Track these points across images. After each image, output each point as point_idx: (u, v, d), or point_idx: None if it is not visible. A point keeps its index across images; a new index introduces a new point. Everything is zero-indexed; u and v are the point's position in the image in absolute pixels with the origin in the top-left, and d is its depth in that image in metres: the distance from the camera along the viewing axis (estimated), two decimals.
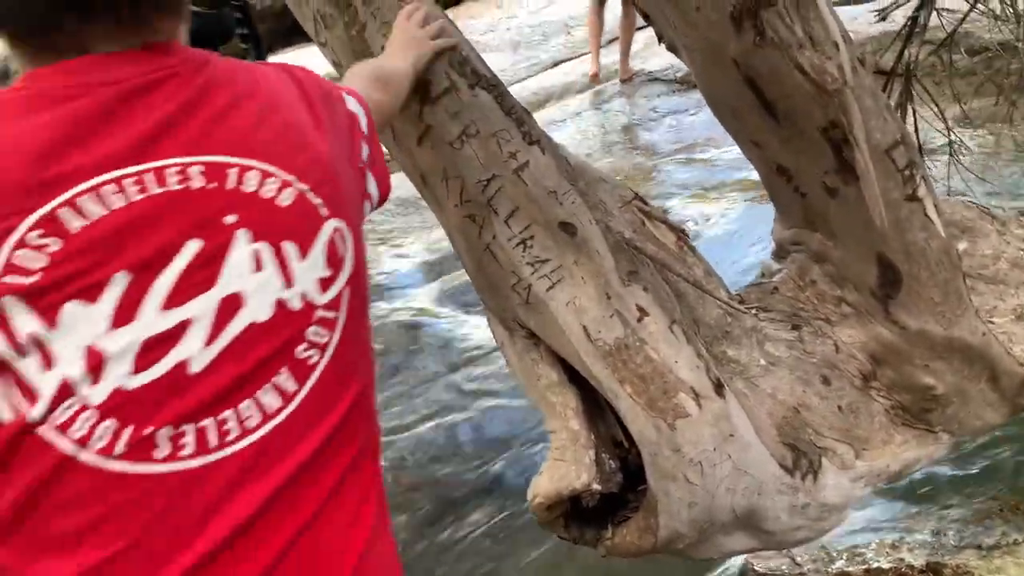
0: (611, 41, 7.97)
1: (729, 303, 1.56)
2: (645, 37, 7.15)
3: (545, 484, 1.41)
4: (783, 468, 1.51)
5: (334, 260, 0.74)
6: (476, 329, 3.11)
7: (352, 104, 0.88)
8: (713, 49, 1.59)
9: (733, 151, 4.33)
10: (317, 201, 0.73)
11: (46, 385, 0.61)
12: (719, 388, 1.40)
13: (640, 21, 5.35)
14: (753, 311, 1.65)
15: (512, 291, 1.45)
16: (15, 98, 0.67)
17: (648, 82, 5.74)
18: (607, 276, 1.38)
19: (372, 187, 0.89)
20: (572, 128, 5.19)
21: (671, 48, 1.77)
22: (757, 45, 1.56)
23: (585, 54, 8.61)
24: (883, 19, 3.24)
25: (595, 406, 1.49)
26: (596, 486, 1.39)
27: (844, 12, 1.96)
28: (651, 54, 6.37)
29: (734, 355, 1.54)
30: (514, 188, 1.41)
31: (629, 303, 1.37)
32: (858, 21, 4.03)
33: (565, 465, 1.41)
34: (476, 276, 1.52)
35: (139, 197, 0.65)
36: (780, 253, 1.86)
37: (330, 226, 0.74)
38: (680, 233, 1.61)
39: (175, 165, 0.67)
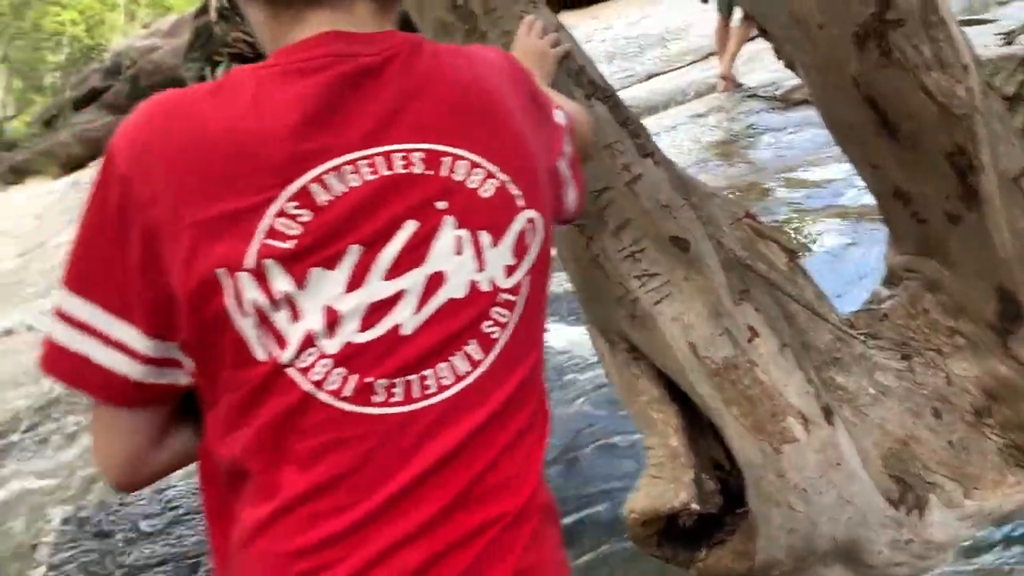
0: (710, 55, 7.89)
1: (840, 328, 1.52)
2: (748, 51, 7.05)
3: (642, 500, 1.39)
4: (888, 501, 1.47)
5: (520, 249, 0.82)
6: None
7: (560, 117, 0.95)
8: (833, 67, 1.56)
9: (834, 173, 4.25)
10: (516, 192, 0.81)
11: (293, 335, 0.72)
12: (828, 415, 1.36)
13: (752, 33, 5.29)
14: (862, 338, 1.60)
15: (618, 304, 1.44)
16: (271, 75, 0.75)
17: (747, 98, 5.64)
18: (718, 293, 1.36)
19: (572, 196, 0.96)
20: (667, 141, 5.15)
21: (789, 64, 1.74)
22: (881, 65, 1.52)
23: (681, 67, 8.56)
24: (1009, 43, 3.11)
25: (696, 424, 1.47)
26: (695, 506, 1.37)
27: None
28: (751, 69, 6.28)
29: (843, 382, 1.50)
30: (626, 200, 1.40)
31: (740, 322, 1.35)
32: (978, 43, 3.88)
33: (663, 483, 1.39)
34: (580, 287, 1.52)
35: (371, 178, 0.74)
36: (891, 279, 1.80)
37: (524, 216, 0.82)
38: (792, 253, 1.57)
39: (401, 151, 0.76)
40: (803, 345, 1.48)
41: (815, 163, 4.36)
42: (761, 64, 6.60)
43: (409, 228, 0.75)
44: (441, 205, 0.77)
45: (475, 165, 0.78)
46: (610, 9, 10.94)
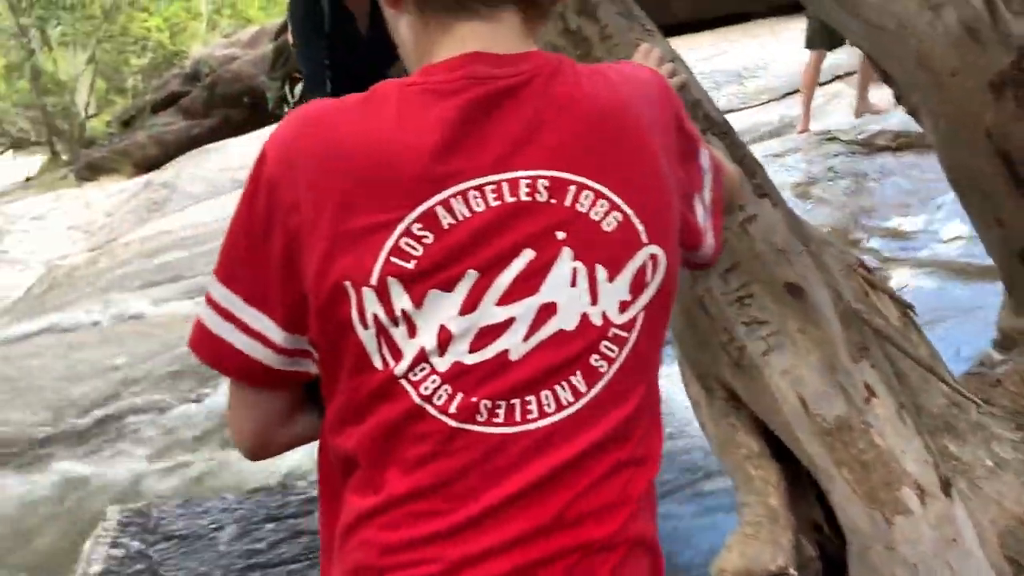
0: (788, 94, 7.78)
1: (956, 391, 1.43)
2: (827, 92, 6.92)
3: (735, 560, 1.31)
4: None
5: (637, 286, 0.80)
6: None
7: (704, 158, 0.92)
8: (965, 117, 1.47)
9: (921, 224, 4.10)
10: (640, 227, 0.79)
11: (409, 350, 0.75)
12: (946, 487, 1.27)
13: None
14: (978, 404, 1.50)
15: (721, 350, 1.37)
16: (413, 92, 0.77)
17: (826, 140, 5.52)
18: (835, 347, 1.28)
19: (708, 242, 0.92)
20: None
21: (911, 111, 1.65)
22: (1018, 117, 1.43)
23: (757, 105, 8.45)
24: None
25: (795, 482, 1.39)
26: (792, 571, 1.28)
27: None
28: (831, 110, 6.16)
29: (956, 451, 1.40)
30: (738, 241, 1.34)
31: (856, 380, 1.27)
32: None
33: (759, 544, 1.31)
34: (681, 328, 1.45)
35: (495, 204, 0.75)
36: (1005, 343, 1.69)
37: (646, 252, 0.80)
38: (905, 308, 1.49)
39: (527, 177, 0.76)
40: (915, 407, 1.39)
41: (900, 212, 4.22)
42: (840, 104, 6.46)
43: (526, 256, 0.76)
44: (560, 235, 0.76)
45: (600, 196, 0.78)
46: (683, 42, 10.88)
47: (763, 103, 8.24)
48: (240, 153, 10.40)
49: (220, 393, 3.52)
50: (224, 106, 12.75)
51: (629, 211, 0.78)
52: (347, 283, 0.73)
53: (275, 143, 0.77)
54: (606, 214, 0.77)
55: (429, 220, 0.73)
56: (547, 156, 0.76)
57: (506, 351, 0.76)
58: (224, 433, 3.43)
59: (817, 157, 5.36)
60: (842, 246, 1.51)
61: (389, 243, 0.73)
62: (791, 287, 1.30)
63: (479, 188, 0.75)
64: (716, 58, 10.13)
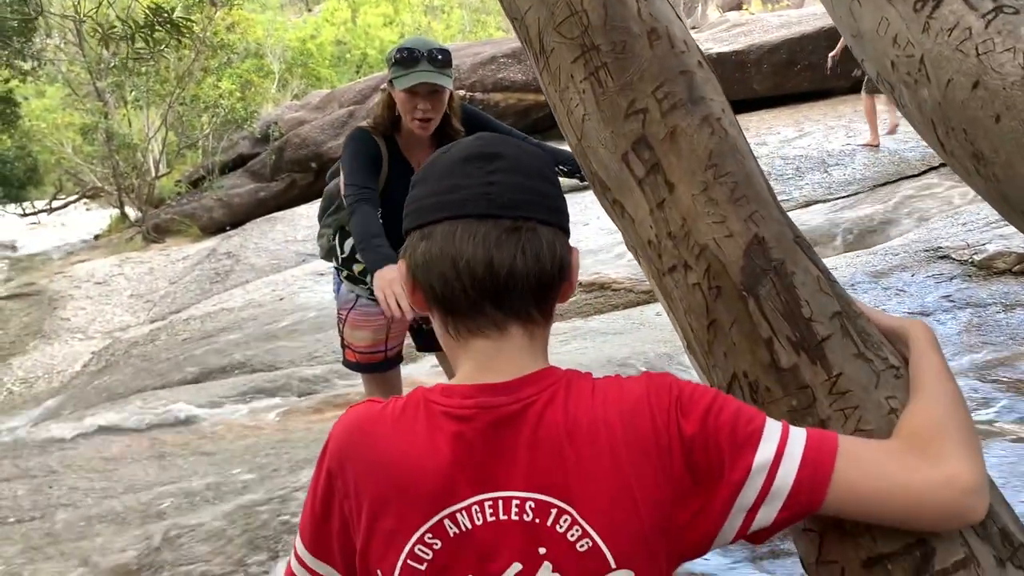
0: (878, 186, 7.29)
1: None
2: (915, 186, 6.43)
3: None
4: None
5: None
6: None
7: (761, 454, 0.85)
8: None
9: None
10: (607, 553, 0.85)
11: None
12: None
13: None
14: None
15: None
16: (437, 413, 0.89)
17: (937, 258, 5.02)
18: None
19: (765, 514, 0.86)
20: None
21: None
22: None
23: (844, 197, 7.99)
24: None
25: None
26: None
27: None
28: (942, 227, 5.65)
29: None
30: None
31: None
32: None
33: None
34: None
35: (491, 519, 0.86)
36: None
37: (615, 575, 0.86)
38: None
39: (517, 498, 0.86)
40: None
41: None
42: (952, 216, 5.96)
43: (514, 568, 0.86)
44: (542, 551, 0.86)
45: (575, 522, 0.85)
46: (762, 122, 10.47)
47: (851, 194, 7.76)
48: (305, 224, 10.28)
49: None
50: (291, 170, 12.75)
51: (596, 538, 0.85)
52: (378, 571, 0.88)
53: (334, 440, 0.93)
54: (579, 537, 0.85)
55: (439, 530, 0.86)
56: (536, 480, 0.86)
57: None
58: None
59: (927, 280, 4.87)
60: None
61: (408, 547, 0.86)
62: None
63: (480, 504, 0.86)
64: (797, 140, 9.69)
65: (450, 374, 3.00)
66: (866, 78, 8.43)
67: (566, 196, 0.95)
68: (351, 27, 20.41)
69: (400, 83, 2.43)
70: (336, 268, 2.84)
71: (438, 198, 0.90)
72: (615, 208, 1.12)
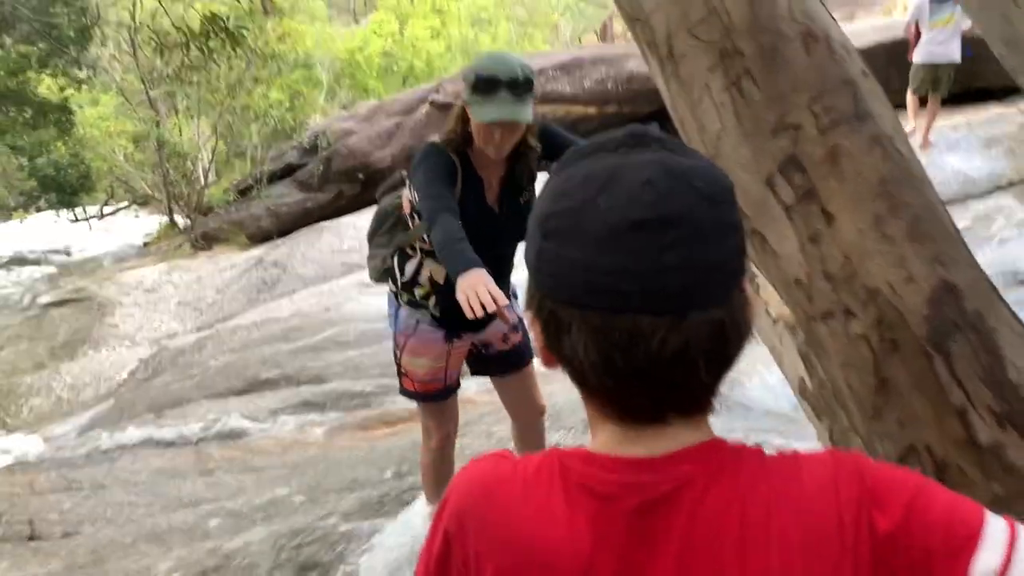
0: (992, 191, 6.99)
1: None
2: (984, 206, 6.16)
3: None
4: None
5: None
6: None
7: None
8: None
9: None
10: None
11: None
12: None
13: None
14: None
15: None
16: (572, 486, 0.76)
17: (1017, 283, 4.76)
18: None
19: None
20: None
21: None
22: None
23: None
24: None
25: None
26: None
27: None
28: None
29: None
30: None
31: None
32: None
33: None
34: None
35: None
36: None
37: None
38: None
39: None
40: None
41: None
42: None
43: None
44: None
45: None
46: None
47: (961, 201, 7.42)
48: (352, 234, 10.23)
49: None
50: (338, 181, 12.74)
51: None
52: None
53: (452, 500, 0.83)
54: None
55: None
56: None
57: None
58: None
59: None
60: None
61: None
62: None
63: None
64: None
65: (508, 404, 2.85)
66: (918, 79, 7.92)
67: None
68: (398, 39, 20.46)
69: (477, 113, 2.29)
70: (394, 292, 2.69)
71: (592, 277, 0.69)
72: (753, 239, 0.96)
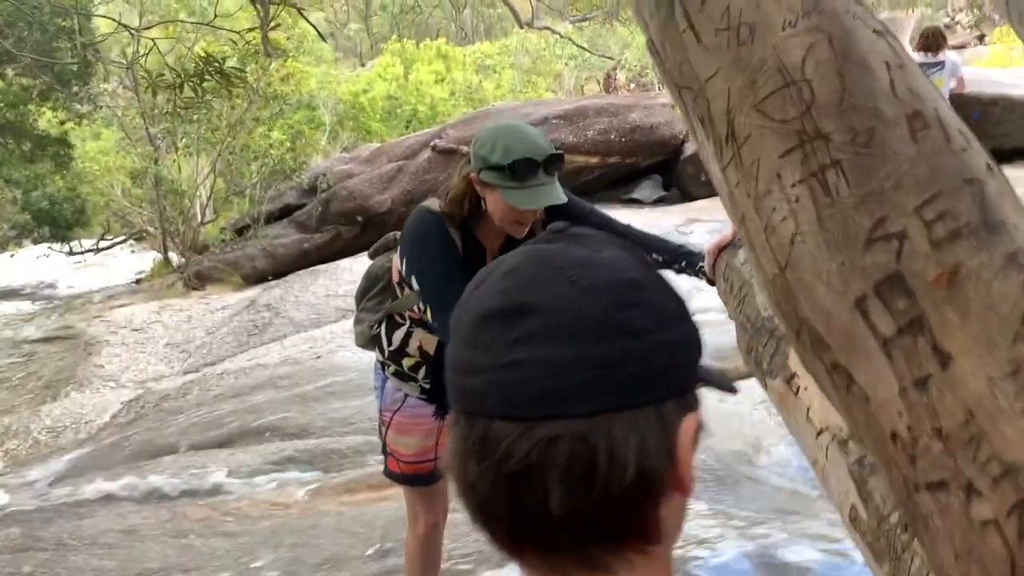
0: None
1: None
2: None
3: None
4: None
5: None
6: None
7: None
8: None
9: None
10: None
11: None
12: None
13: None
14: None
15: None
16: None
17: None
18: None
19: None
20: None
21: None
22: None
23: None
24: None
25: None
26: None
27: None
28: None
29: None
30: None
31: None
32: None
33: None
34: None
35: None
36: None
37: None
38: None
39: None
40: None
41: None
42: None
43: None
44: None
45: None
46: None
47: None
48: (348, 278, 10.04)
49: None
50: (337, 222, 12.59)
51: None
52: None
53: None
54: None
55: None
56: None
57: None
58: None
59: None
60: None
61: None
62: None
63: None
64: None
65: None
66: None
67: None
68: (403, 83, 20.51)
69: (515, 199, 2.06)
70: (380, 363, 2.47)
71: (453, 377, 0.63)
72: (835, 375, 0.74)
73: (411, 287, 2.20)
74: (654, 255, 2.28)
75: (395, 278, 2.36)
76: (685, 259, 2.22)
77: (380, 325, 2.43)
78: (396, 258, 2.32)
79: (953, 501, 0.66)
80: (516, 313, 0.58)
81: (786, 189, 0.72)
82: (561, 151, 2.14)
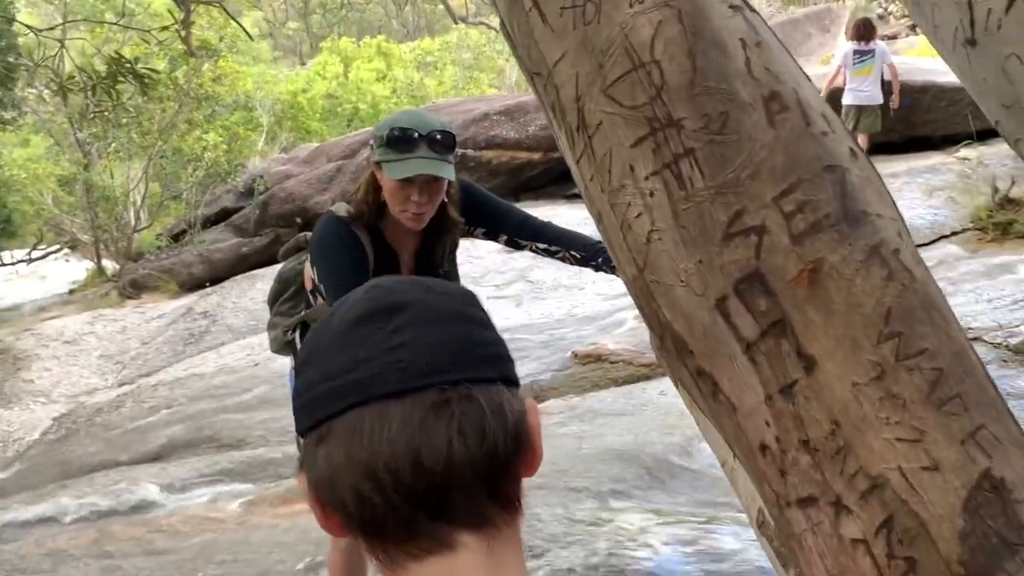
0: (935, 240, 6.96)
1: None
2: (926, 256, 6.10)
3: None
4: None
5: None
6: None
7: None
8: None
9: None
10: None
11: None
12: None
13: None
14: None
15: None
16: None
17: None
18: None
19: None
20: None
21: None
22: None
23: None
24: None
25: None
26: None
27: None
28: (976, 312, 5.29)
29: None
30: None
31: None
32: None
33: None
34: None
35: None
36: None
37: None
38: None
39: None
40: None
41: None
42: (974, 292, 5.59)
43: None
44: None
45: None
46: None
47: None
48: None
49: None
50: (275, 225, 12.35)
51: None
52: None
53: None
54: None
55: None
56: None
57: None
58: None
59: None
60: None
61: None
62: None
63: None
64: None
65: None
66: (848, 117, 8.49)
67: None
68: (343, 81, 20.23)
69: (392, 171, 2.00)
70: (295, 368, 2.39)
71: (331, 383, 0.69)
72: (700, 383, 0.68)
73: (323, 296, 2.13)
74: (572, 252, 2.23)
75: (308, 286, 2.27)
76: (602, 255, 2.18)
77: (295, 331, 2.33)
78: (308, 265, 2.24)
79: (823, 519, 0.61)
80: (390, 310, 0.69)
81: (640, 182, 0.66)
82: (451, 131, 2.06)
